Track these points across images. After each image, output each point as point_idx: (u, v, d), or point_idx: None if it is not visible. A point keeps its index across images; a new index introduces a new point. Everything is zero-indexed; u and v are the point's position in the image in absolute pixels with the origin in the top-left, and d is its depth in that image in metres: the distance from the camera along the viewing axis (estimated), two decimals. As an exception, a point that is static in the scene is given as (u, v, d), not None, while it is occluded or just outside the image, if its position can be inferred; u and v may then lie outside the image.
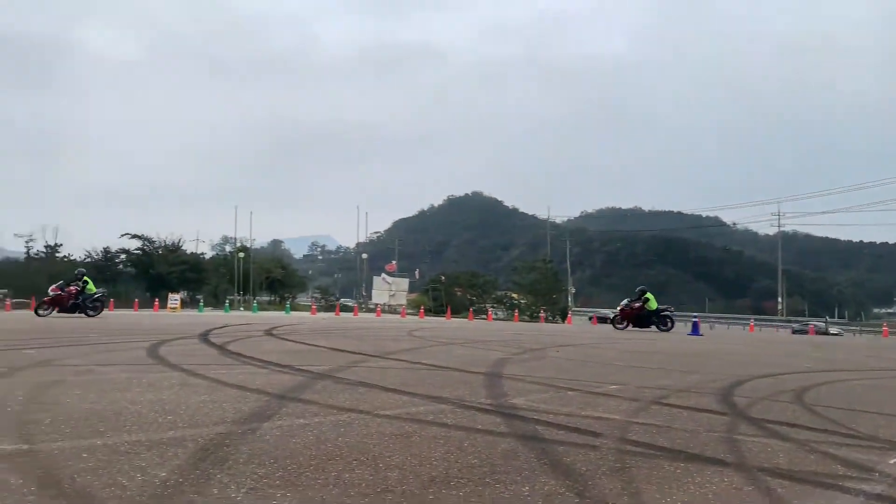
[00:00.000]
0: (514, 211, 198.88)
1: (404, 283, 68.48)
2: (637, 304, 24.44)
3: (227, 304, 44.82)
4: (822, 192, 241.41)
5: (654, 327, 24.21)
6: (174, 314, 32.54)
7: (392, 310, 54.89)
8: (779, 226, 71.54)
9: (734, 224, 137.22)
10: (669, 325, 24.54)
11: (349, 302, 68.33)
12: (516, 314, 44.47)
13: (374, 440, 3.67)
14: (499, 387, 6.32)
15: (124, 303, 40.62)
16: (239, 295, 57.60)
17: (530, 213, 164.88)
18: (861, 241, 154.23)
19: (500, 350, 11.28)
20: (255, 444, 3.49)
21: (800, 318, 53.37)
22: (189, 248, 64.74)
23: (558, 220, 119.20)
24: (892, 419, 5.43)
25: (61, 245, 61.12)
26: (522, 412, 4.78)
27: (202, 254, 68.37)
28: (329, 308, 52.98)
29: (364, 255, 76.15)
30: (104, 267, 58.41)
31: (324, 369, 7.11)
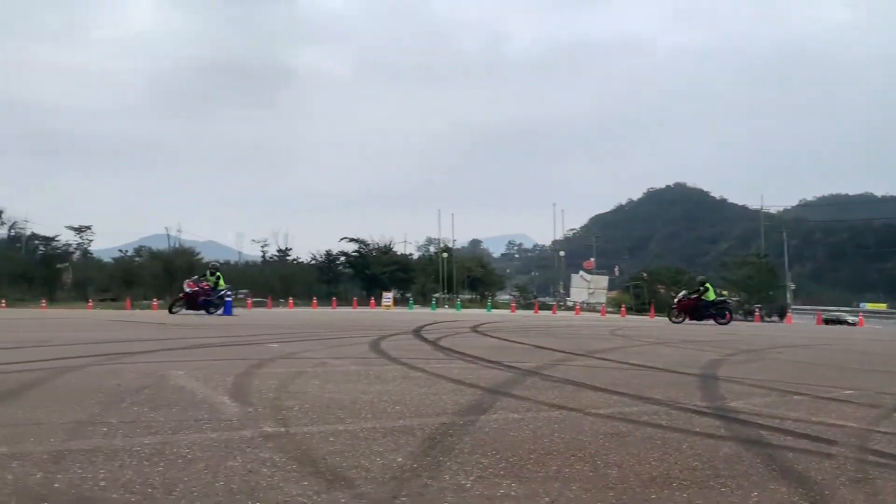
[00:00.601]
0: (722, 202, 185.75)
1: (603, 280, 66.97)
2: (694, 296, 24.09)
3: (433, 302, 47.04)
4: None
5: (711, 321, 23.63)
6: (388, 311, 34.84)
7: (591, 308, 54.05)
8: None
9: None
10: (728, 317, 24.04)
11: (547, 300, 68.29)
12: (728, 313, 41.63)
13: (588, 438, 3.73)
14: (714, 389, 6.06)
15: (344, 301, 44.21)
16: (444, 293, 60.09)
17: (740, 204, 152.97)
18: None
19: (713, 350, 10.73)
20: (476, 435, 3.72)
21: None
22: (398, 249, 68.78)
23: (772, 211, 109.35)
24: None
25: (291, 249, 67.87)
26: (743, 416, 4.57)
27: (410, 254, 72.29)
28: (528, 306, 53.45)
29: (561, 253, 75.77)
30: (326, 268, 64.03)
31: (531, 366, 7.28)
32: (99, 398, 4.56)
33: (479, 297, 67.20)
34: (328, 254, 65.08)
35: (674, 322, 24.04)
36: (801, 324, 34.74)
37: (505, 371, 6.81)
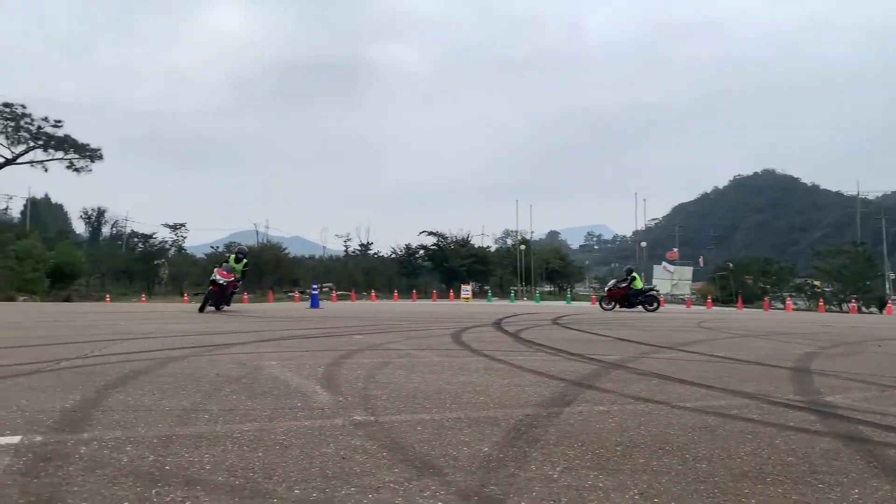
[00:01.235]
0: (814, 188, 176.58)
1: (687, 271, 65.06)
2: (624, 285, 25.26)
3: (512, 294, 46.95)
4: None
5: (640, 307, 24.72)
6: (467, 304, 35.05)
7: (675, 300, 52.63)
8: None
9: None
10: (655, 305, 25.11)
11: (629, 291, 66.86)
12: (821, 304, 39.64)
13: (676, 431, 3.68)
14: (808, 383, 5.82)
15: (423, 294, 44.72)
16: (522, 285, 59.90)
17: (834, 190, 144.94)
18: None
19: (805, 343, 10.27)
20: (560, 427, 3.73)
21: None
22: (476, 242, 69.07)
23: (870, 196, 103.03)
24: None
25: (372, 243, 69.26)
26: (841, 411, 4.38)
27: (487, 247, 72.47)
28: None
29: (643, 244, 73.98)
30: (406, 262, 64.99)
31: (614, 359, 7.20)
32: (200, 387, 4.84)
33: (558, 289, 66.57)
34: (408, 247, 66.03)
35: (605, 309, 25.17)
36: (904, 315, 32.72)
37: (588, 363, 6.76)
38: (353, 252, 69.46)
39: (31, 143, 43.73)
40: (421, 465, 2.91)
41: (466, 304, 36.45)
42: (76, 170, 45.69)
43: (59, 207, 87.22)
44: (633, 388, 5.23)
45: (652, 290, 26.61)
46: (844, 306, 42.90)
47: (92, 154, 45.72)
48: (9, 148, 43.34)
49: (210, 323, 13.00)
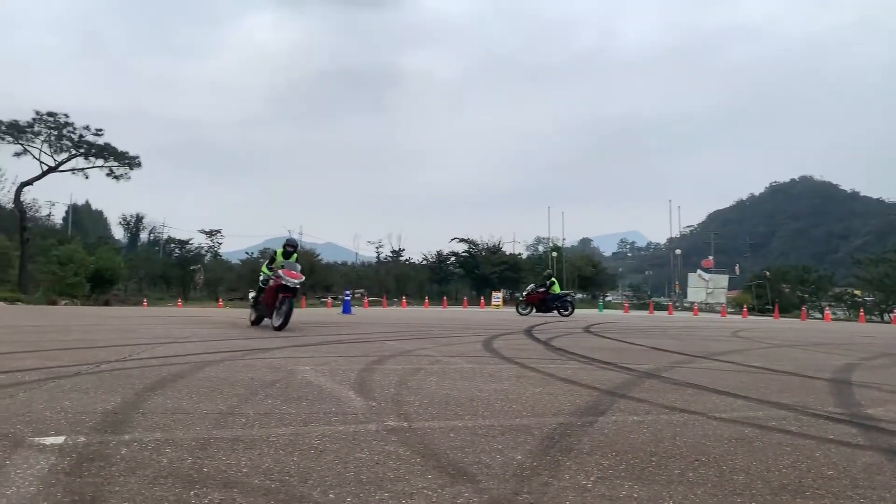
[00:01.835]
0: (854, 195, 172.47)
1: (723, 279, 63.95)
2: (542, 290, 25.68)
3: (542, 302, 46.62)
4: None
5: (555, 312, 25.03)
6: (498, 311, 34.96)
7: (710, 308, 51.80)
8: None
9: None
10: (570, 310, 25.63)
11: (662, 300, 66.05)
12: (861, 314, 38.65)
13: (712, 442, 3.63)
14: (849, 394, 5.69)
15: (454, 301, 44.78)
16: (553, 293, 59.44)
17: (874, 197, 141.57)
18: None
19: (845, 354, 10.04)
20: (594, 436, 3.70)
21: None
22: (507, 248, 68.91)
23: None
24: None
25: (403, 249, 69.54)
26: (883, 424, 4.27)
27: (519, 254, 72.20)
28: (642, 306, 51.99)
29: (677, 251, 72.93)
30: (437, 268, 65.12)
31: (648, 368, 7.12)
32: (236, 391, 4.92)
33: (590, 296, 66.04)
34: (439, 254, 66.16)
35: (521, 314, 25.22)
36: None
37: (621, 372, 6.70)
38: (385, 258, 69.87)
39: (73, 152, 44.87)
40: (454, 472, 2.92)
41: (497, 311, 36.36)
42: (116, 177, 46.76)
43: (100, 214, 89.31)
44: (667, 397, 5.17)
45: (567, 295, 27.49)
46: (886, 316, 41.74)
47: (131, 162, 46.76)
48: (52, 156, 44.53)
49: (244, 329, 13.18)
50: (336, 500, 2.50)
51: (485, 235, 68.47)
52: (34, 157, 44.04)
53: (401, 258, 68.88)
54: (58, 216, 68.39)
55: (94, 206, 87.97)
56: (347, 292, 27.83)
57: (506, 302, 47.79)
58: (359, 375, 5.90)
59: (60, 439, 3.28)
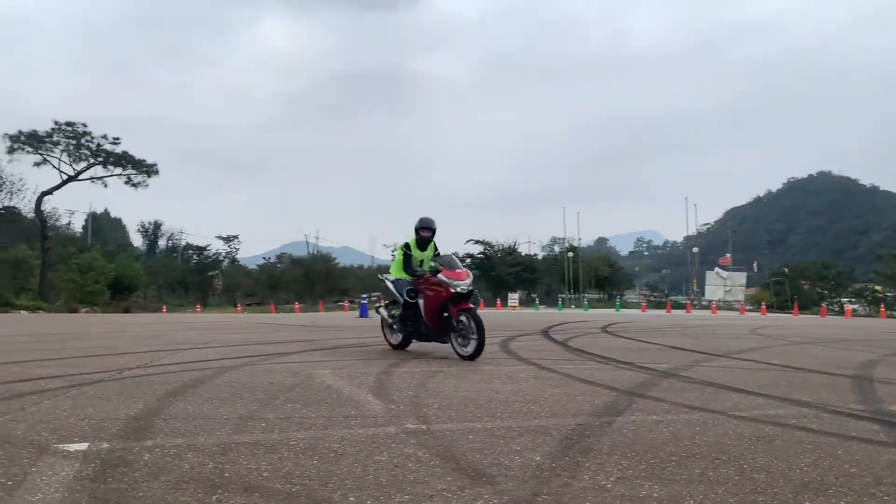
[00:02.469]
0: (874, 190, 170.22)
1: (741, 277, 63.44)
2: None
3: (559, 302, 46.57)
4: None
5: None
6: (514, 312, 34.91)
7: (728, 306, 51.38)
8: None
9: None
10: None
11: (680, 298, 65.61)
12: (882, 309, 38.12)
13: (732, 441, 3.61)
14: (871, 391, 5.63)
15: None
16: (570, 293, 59.36)
17: (895, 191, 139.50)
18: None
19: (866, 351, 9.93)
20: (613, 436, 3.70)
21: None
22: (523, 249, 68.79)
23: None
24: None
25: (420, 252, 69.46)
26: (907, 422, 4.23)
27: (534, 255, 72.05)
28: (659, 305, 51.67)
29: (694, 249, 72.40)
30: (453, 270, 65.02)
31: (666, 367, 7.09)
32: (256, 395, 4.96)
33: (606, 296, 65.75)
34: (455, 256, 66.12)
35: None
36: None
37: (639, 372, 6.67)
38: (401, 261, 70.04)
39: (92, 160, 45.38)
40: (473, 474, 2.92)
41: (514, 312, 36.29)
42: (134, 185, 47.20)
43: (119, 221, 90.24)
44: (686, 397, 5.14)
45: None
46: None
47: (148, 169, 47.20)
48: (71, 165, 45.07)
49: (261, 333, 13.27)
50: (356, 503, 2.52)
51: (500, 237, 68.55)
52: (54, 166, 44.60)
53: (417, 261, 69.03)
54: (77, 225, 69.18)
55: (112, 214, 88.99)
56: (364, 296, 27.92)
57: (522, 303, 47.66)
58: (377, 378, 5.92)
59: (84, 446, 3.33)
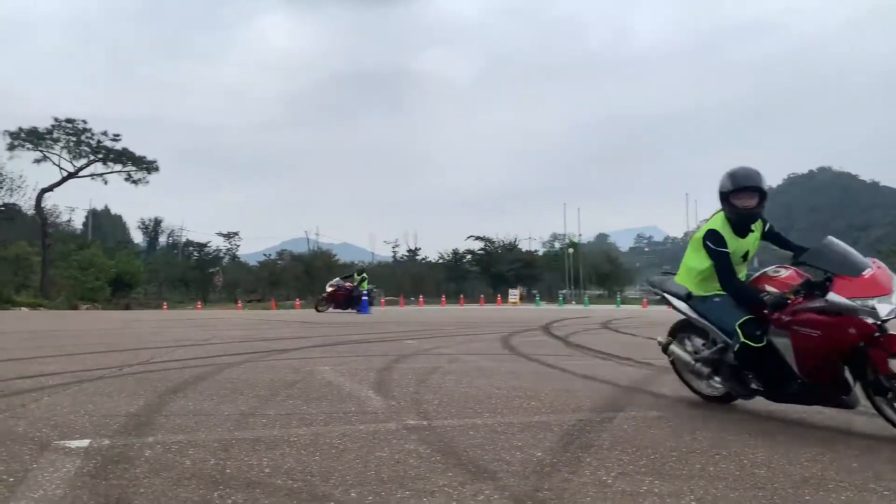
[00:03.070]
0: (874, 185, 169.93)
1: (742, 272, 63.24)
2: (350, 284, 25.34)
3: (560, 298, 46.58)
4: None
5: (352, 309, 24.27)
6: (514, 308, 34.91)
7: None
8: None
9: None
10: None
11: (681, 294, 65.46)
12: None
13: (733, 436, 3.61)
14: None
15: (471, 299, 44.80)
16: (570, 289, 59.38)
17: (895, 187, 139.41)
18: None
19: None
20: (614, 432, 3.70)
21: None
22: (523, 246, 68.77)
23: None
24: None
25: (420, 248, 69.64)
26: (908, 417, 4.22)
27: (535, 251, 71.98)
28: (661, 301, 51.61)
29: (695, 245, 72.15)
30: (453, 266, 65.15)
31: (667, 363, 7.06)
32: (257, 392, 4.97)
33: (607, 292, 65.72)
34: (455, 252, 66.19)
35: (319, 311, 24.31)
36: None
37: (640, 368, 6.67)
38: (401, 258, 70.02)
39: (92, 157, 45.35)
40: (474, 470, 2.93)
41: (514, 308, 36.29)
42: (134, 182, 47.17)
43: (119, 218, 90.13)
44: (687, 392, 5.13)
45: (371, 292, 26.79)
46: None
47: (149, 166, 47.17)
48: (71, 162, 45.05)
49: (263, 330, 13.28)
50: (358, 499, 2.52)
51: (501, 233, 68.44)
52: (54, 163, 44.62)
53: (417, 257, 69.01)
54: (78, 222, 69.09)
55: (113, 211, 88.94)
56: (364, 293, 27.91)
57: (522, 299, 47.67)
58: (378, 375, 5.93)
59: (85, 442, 3.33)
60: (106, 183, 47.37)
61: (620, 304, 44.34)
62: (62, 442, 3.35)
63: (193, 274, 61.32)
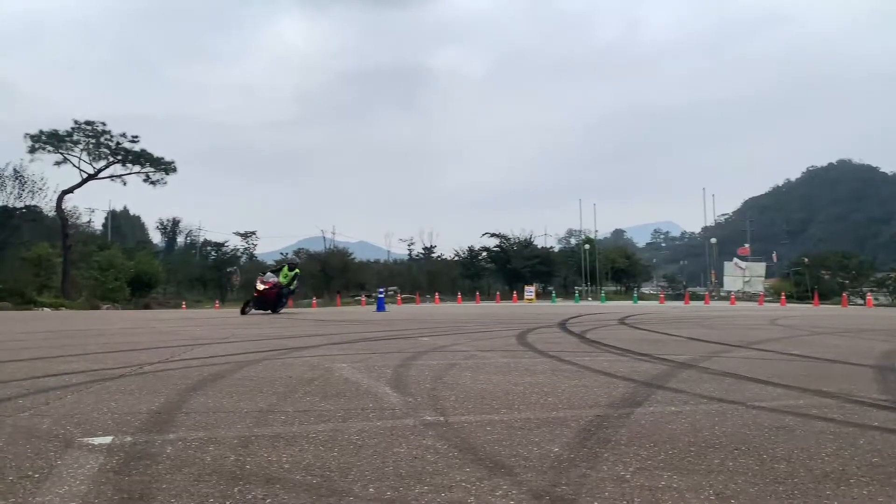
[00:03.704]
0: (895, 177, 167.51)
1: (760, 267, 62.87)
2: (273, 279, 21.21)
3: (576, 295, 46.44)
4: None
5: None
6: (531, 304, 34.87)
7: (747, 297, 50.93)
8: None
9: None
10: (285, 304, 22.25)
11: (698, 290, 65.12)
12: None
13: (752, 431, 3.59)
14: (893, 381, 5.57)
15: (487, 296, 44.74)
16: (586, 285, 59.15)
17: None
18: None
19: (888, 340, 9.81)
20: (631, 427, 3.69)
21: None
22: (539, 242, 68.62)
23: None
24: None
25: (435, 246, 69.80)
26: (930, 411, 4.17)
27: (551, 247, 71.89)
28: (677, 297, 51.34)
29: (712, 240, 71.69)
30: (469, 264, 65.18)
31: (685, 358, 7.05)
32: (275, 389, 5.01)
33: (623, 288, 65.42)
34: (471, 250, 66.25)
35: (244, 313, 20.59)
36: None
37: (657, 363, 6.64)
38: (417, 255, 70.23)
39: (111, 159, 45.77)
40: (492, 465, 2.93)
41: (530, 304, 36.22)
42: (152, 182, 47.58)
43: (138, 219, 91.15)
44: (705, 387, 5.11)
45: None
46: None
47: (166, 167, 47.54)
48: (91, 164, 45.53)
49: (281, 328, 13.36)
50: (376, 494, 2.54)
51: (516, 230, 68.20)
52: (74, 165, 45.07)
53: (432, 255, 69.10)
54: (98, 223, 69.97)
55: (132, 212, 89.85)
56: (381, 290, 28.02)
57: (538, 295, 47.56)
58: (395, 372, 5.95)
59: (108, 439, 3.38)
60: (125, 184, 47.80)
61: (637, 300, 44.14)
62: (86, 439, 3.40)
63: (211, 273, 61.89)
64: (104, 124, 45.00)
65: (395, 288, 47.55)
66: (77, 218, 54.84)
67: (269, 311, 20.25)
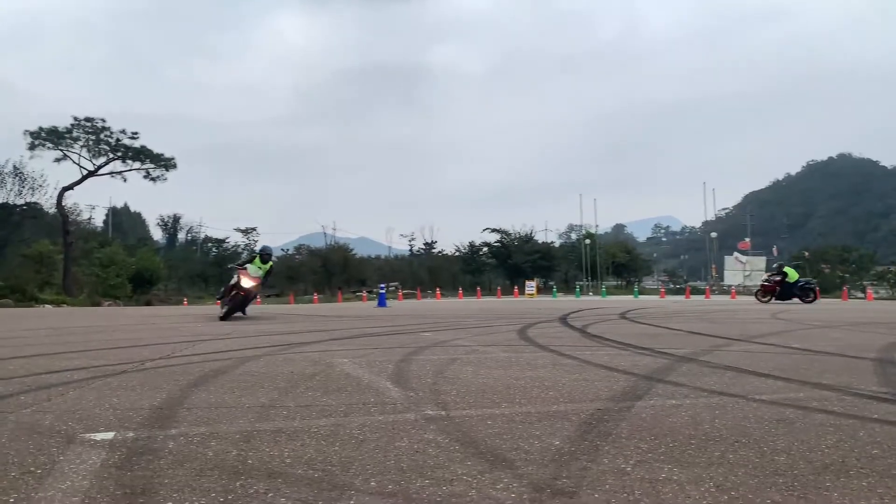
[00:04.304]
0: (895, 171, 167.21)
1: (760, 261, 62.79)
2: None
3: (577, 290, 46.45)
4: None
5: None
6: (531, 299, 34.88)
7: (748, 291, 50.91)
8: None
9: None
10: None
11: (699, 284, 65.10)
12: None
13: (752, 424, 3.59)
14: (893, 374, 5.57)
15: (488, 291, 44.77)
16: (587, 280, 59.16)
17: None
18: None
19: (889, 333, 9.81)
20: (632, 420, 3.70)
21: None
22: (540, 237, 68.59)
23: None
24: None
25: (436, 242, 69.81)
26: (930, 404, 4.18)
27: (551, 242, 71.85)
28: (678, 291, 51.33)
29: (713, 234, 71.62)
30: (470, 259, 65.19)
31: (685, 352, 7.06)
32: (277, 384, 5.02)
33: (624, 283, 65.42)
34: (471, 245, 66.24)
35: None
36: None
37: (658, 357, 6.65)
38: (418, 251, 70.25)
39: (111, 155, 45.70)
40: (493, 459, 2.94)
41: (531, 299, 36.24)
42: (152, 179, 47.53)
43: (138, 215, 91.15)
44: (706, 381, 5.12)
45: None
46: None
47: (167, 163, 47.47)
48: (91, 160, 45.49)
49: (281, 324, 13.37)
50: (378, 488, 2.54)
51: (517, 225, 68.27)
52: (74, 161, 45.01)
53: (433, 250, 69.12)
54: (98, 219, 69.97)
55: (132, 209, 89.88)
56: (382, 285, 28.04)
57: (539, 290, 47.56)
58: (396, 366, 5.96)
59: (110, 435, 3.39)
60: (125, 181, 47.74)
61: (638, 294, 44.15)
62: (88, 435, 3.41)
63: (212, 269, 61.89)
64: (104, 121, 44.95)
65: (396, 283, 47.59)
66: (78, 215, 54.87)
67: (243, 314, 16.35)
